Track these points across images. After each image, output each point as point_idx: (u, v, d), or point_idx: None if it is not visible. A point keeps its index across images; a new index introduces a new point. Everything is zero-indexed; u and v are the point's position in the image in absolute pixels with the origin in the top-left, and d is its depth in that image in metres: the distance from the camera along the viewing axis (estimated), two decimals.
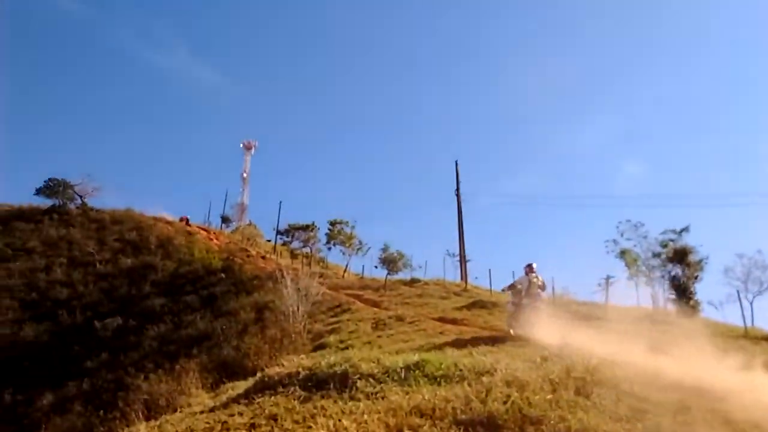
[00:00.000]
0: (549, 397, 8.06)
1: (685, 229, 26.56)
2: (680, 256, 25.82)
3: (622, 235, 27.88)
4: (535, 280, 16.03)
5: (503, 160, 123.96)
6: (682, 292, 24.58)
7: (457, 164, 37.84)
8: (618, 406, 7.64)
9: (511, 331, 15.73)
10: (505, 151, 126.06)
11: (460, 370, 9.75)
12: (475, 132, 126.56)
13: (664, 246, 26.83)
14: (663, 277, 26.63)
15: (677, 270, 25.84)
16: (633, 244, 27.71)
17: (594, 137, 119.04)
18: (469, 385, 8.87)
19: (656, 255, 27.02)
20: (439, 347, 13.67)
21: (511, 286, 16.68)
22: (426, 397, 8.51)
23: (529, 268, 16.15)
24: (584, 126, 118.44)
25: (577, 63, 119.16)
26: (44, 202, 43.37)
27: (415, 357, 10.74)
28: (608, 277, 25.48)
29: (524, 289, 15.97)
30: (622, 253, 27.58)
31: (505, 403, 7.91)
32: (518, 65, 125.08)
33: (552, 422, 7.11)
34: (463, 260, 34.80)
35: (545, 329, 14.45)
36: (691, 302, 24.12)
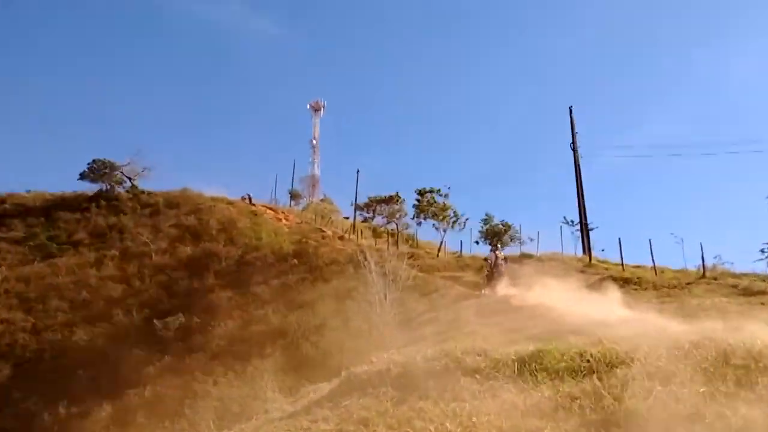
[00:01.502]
0: (702, 390, 7.82)
1: None
2: None
3: None
4: (500, 254, 25.29)
5: (630, 104, 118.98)
6: None
7: (571, 111, 36.47)
8: None
9: (484, 291, 24.02)
10: (632, 92, 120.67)
11: (588, 360, 9.59)
12: (591, 71, 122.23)
13: None
14: None
15: None
16: None
17: (744, 67, 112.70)
18: (600, 378, 8.73)
19: None
20: (560, 335, 13.49)
21: (485, 260, 27.07)
22: (546, 395, 8.43)
23: (495, 247, 27.15)
24: (730, 52, 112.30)
25: None
26: (89, 188, 44.82)
27: (531, 347, 10.65)
28: None
29: (491, 262, 24.77)
30: None
31: (646, 399, 7.74)
32: None
33: (707, 420, 6.90)
34: (584, 229, 33.95)
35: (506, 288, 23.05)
36: None
